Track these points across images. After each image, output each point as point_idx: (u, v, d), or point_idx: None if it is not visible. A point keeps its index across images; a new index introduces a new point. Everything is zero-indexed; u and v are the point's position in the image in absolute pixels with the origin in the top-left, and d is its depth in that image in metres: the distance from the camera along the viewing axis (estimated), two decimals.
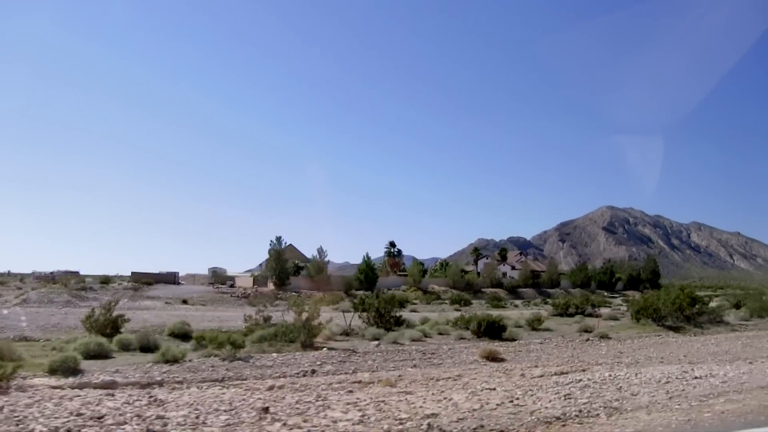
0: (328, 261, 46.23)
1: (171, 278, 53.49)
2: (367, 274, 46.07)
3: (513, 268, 64.65)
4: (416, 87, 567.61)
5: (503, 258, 70.37)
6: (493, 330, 16.08)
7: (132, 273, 54.08)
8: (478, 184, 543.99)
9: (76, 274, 55.57)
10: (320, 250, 45.83)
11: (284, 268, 43.25)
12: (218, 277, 52.29)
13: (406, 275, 55.45)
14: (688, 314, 20.73)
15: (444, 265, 62.10)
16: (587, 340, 16.19)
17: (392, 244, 59.79)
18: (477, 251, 70.14)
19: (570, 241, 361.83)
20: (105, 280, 41.16)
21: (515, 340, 15.92)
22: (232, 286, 48.21)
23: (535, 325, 19.30)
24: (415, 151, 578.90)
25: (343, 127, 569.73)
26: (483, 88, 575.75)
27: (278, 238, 44.36)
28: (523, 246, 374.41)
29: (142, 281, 49.50)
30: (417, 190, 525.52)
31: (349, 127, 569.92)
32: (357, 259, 59.71)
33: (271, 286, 44.56)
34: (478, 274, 60.42)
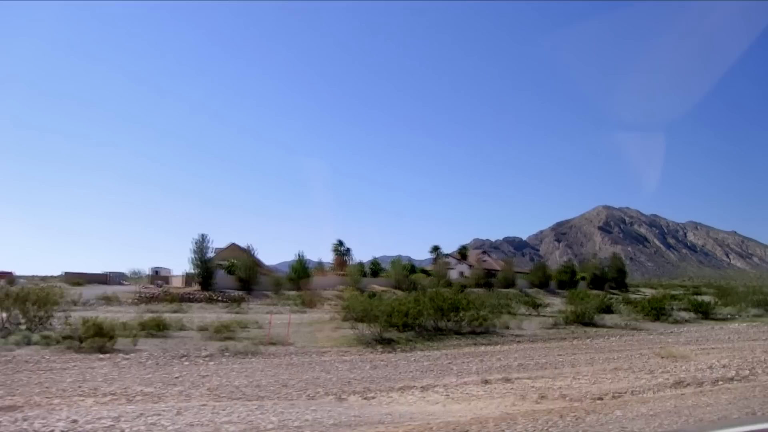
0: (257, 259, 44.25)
1: (104, 279, 51.93)
2: (299, 272, 44.12)
3: (471, 267, 62.41)
4: (415, 91, 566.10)
5: (463, 257, 68.16)
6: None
7: (64, 273, 52.47)
8: (475, 185, 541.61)
9: (9, 274, 53.90)
10: (249, 248, 43.95)
11: (207, 267, 41.28)
12: (150, 278, 50.58)
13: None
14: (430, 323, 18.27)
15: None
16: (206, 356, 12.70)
17: (340, 243, 57.89)
18: (437, 250, 67.93)
19: (566, 240, 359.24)
20: (10, 281, 39.20)
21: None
22: (160, 285, 46.34)
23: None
24: (410, 153, 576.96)
25: (344, 135, 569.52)
26: (481, 90, 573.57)
27: (202, 236, 42.39)
28: (519, 246, 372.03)
29: (72, 282, 47.84)
30: (412, 193, 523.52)
31: (349, 136, 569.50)
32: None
33: (196, 285, 42.65)
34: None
